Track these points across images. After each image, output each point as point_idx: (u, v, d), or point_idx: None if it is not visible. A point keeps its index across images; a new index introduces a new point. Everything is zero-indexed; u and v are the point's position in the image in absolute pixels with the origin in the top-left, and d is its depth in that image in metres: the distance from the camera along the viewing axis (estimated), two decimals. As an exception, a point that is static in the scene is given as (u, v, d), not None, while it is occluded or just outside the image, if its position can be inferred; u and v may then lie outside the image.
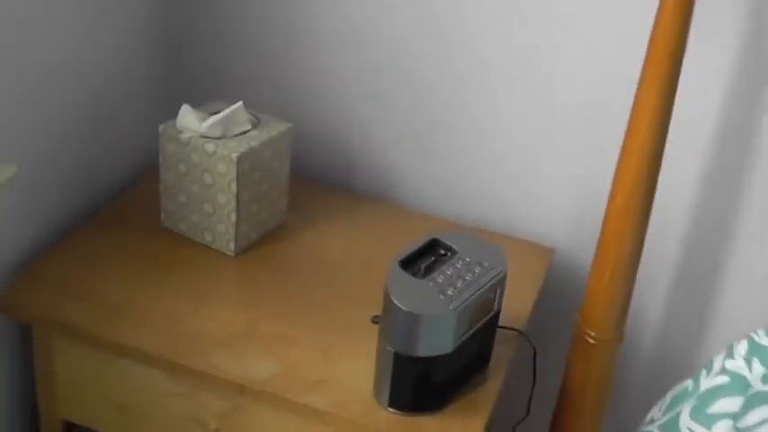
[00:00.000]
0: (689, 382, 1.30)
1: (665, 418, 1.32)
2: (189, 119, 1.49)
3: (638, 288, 1.66)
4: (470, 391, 1.33)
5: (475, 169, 1.69)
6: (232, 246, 1.52)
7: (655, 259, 1.64)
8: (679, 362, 1.70)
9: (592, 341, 1.43)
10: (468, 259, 1.29)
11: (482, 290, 1.25)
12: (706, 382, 1.21)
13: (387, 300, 1.22)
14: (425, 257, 1.29)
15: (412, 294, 1.21)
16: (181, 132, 1.49)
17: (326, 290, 1.48)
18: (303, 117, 1.76)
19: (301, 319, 1.41)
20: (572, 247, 1.67)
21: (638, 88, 1.29)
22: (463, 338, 1.25)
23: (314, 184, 1.76)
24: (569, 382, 1.49)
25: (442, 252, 1.31)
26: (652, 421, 1.36)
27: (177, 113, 1.64)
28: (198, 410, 1.38)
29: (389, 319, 1.22)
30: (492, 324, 1.33)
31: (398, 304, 1.19)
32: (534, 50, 1.56)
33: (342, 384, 1.30)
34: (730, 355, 1.24)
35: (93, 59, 1.57)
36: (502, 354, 1.39)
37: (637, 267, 1.39)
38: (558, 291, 1.71)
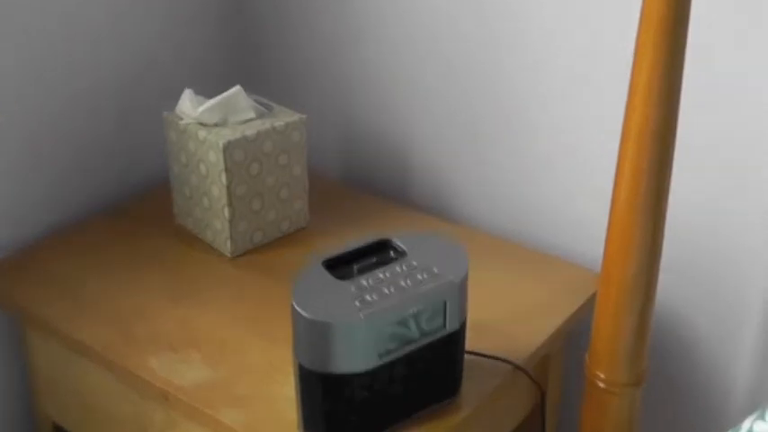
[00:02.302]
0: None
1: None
2: (187, 104, 1.38)
3: (691, 316, 1.33)
4: (424, 422, 1.09)
5: (532, 184, 1.44)
6: (229, 245, 1.38)
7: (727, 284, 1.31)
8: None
9: (602, 385, 1.14)
10: (414, 263, 1.07)
11: (417, 299, 1.02)
12: None
13: (291, 303, 1.02)
14: (366, 258, 1.08)
15: (321, 298, 1.01)
16: (180, 119, 1.38)
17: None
18: (357, 121, 1.60)
19: (270, 329, 1.25)
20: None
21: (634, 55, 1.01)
22: (389, 358, 1.03)
23: (362, 195, 1.58)
24: (585, 434, 1.20)
25: (392, 255, 1.10)
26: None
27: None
28: (143, 419, 1.25)
29: (294, 326, 1.02)
30: (450, 347, 1.09)
31: (298, 308, 1.00)
32: (608, 61, 1.31)
33: (273, 402, 1.12)
34: (762, 417, 0.94)
35: (123, 49, 1.50)
36: (484, 387, 1.14)
37: (654, 289, 1.09)
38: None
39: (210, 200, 1.37)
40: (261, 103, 1.42)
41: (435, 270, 1.06)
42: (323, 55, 1.60)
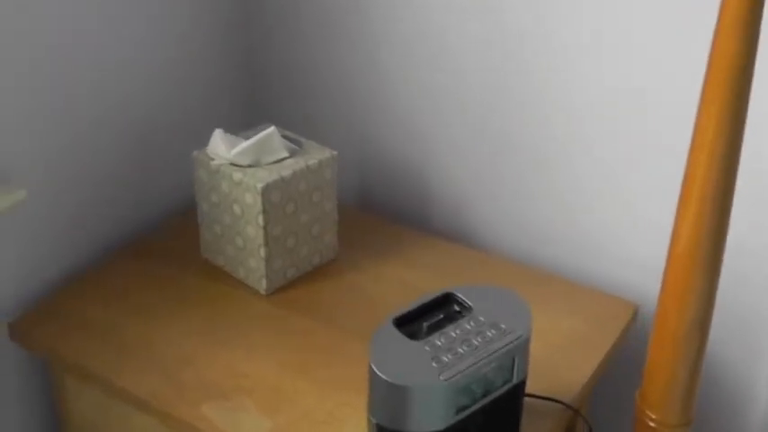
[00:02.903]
0: None
1: None
2: (219, 145, 1.37)
3: (740, 354, 1.39)
4: (488, 475, 1.12)
5: (560, 212, 1.47)
6: (264, 283, 1.38)
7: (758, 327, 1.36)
8: None
9: (653, 425, 1.18)
10: (482, 319, 1.09)
11: (490, 358, 1.05)
12: None
13: (369, 365, 1.04)
14: (433, 314, 1.10)
15: (398, 360, 1.03)
16: (212, 159, 1.37)
17: (359, 341, 1.32)
18: (378, 151, 1.60)
19: (318, 372, 1.26)
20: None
21: (696, 117, 1.04)
22: (465, 413, 1.05)
23: (382, 221, 1.59)
24: (632, 469, 1.24)
25: (456, 309, 1.12)
26: None
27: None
28: (194, 466, 1.25)
29: (372, 388, 1.04)
30: (514, 396, 1.12)
31: (378, 372, 1.01)
32: (632, 93, 1.33)
33: (334, 454, 1.14)
34: None
35: (148, 91, 1.48)
36: (538, 426, 1.18)
37: (706, 334, 1.13)
38: (639, 355, 1.46)
39: (245, 239, 1.37)
40: (290, 139, 1.42)
41: (503, 326, 1.08)
42: (339, 81, 1.60)
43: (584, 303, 1.39)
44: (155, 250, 1.50)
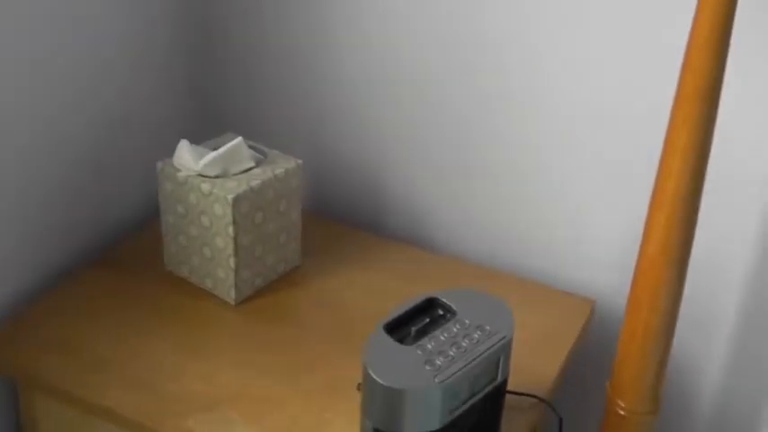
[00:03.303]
0: None
1: None
2: (185, 156, 1.37)
3: (691, 350, 1.46)
4: (475, 470, 1.17)
5: (513, 213, 1.53)
6: (233, 293, 1.40)
7: (713, 317, 1.44)
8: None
9: (623, 413, 1.25)
10: (467, 322, 1.13)
11: (479, 359, 1.09)
12: None
13: (364, 370, 1.07)
14: (419, 319, 1.14)
15: (393, 365, 1.06)
16: (179, 171, 1.38)
17: (332, 345, 1.34)
18: (331, 156, 1.63)
19: (298, 378, 1.28)
20: (617, 298, 1.49)
21: (668, 128, 1.10)
22: (456, 413, 1.09)
23: (340, 226, 1.62)
24: (601, 457, 1.30)
25: (440, 313, 1.16)
26: None
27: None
28: (179, 480, 1.26)
29: (368, 393, 1.07)
30: (497, 394, 1.16)
31: (375, 377, 1.05)
32: (580, 96, 1.39)
33: (326, 459, 1.17)
34: None
35: (100, 97, 1.47)
36: (518, 427, 1.22)
37: (672, 327, 1.20)
38: (598, 348, 1.53)
39: (213, 250, 1.38)
40: (254, 149, 1.43)
41: (487, 328, 1.13)
42: (295, 87, 1.62)
43: (545, 302, 1.45)
44: (115, 265, 1.49)
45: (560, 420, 1.28)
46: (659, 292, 1.17)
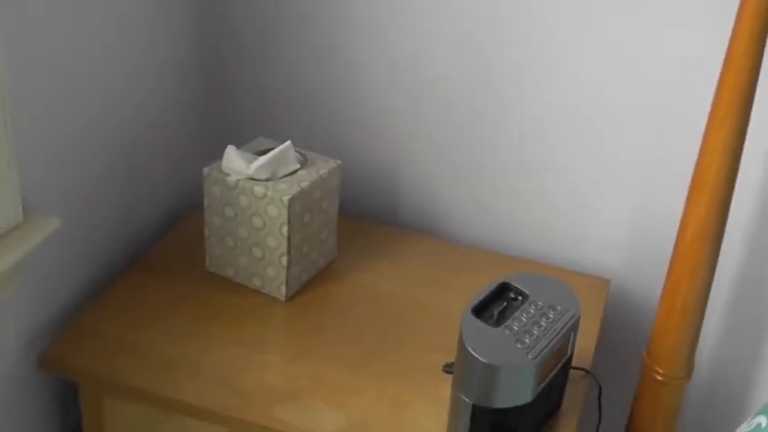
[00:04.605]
0: (762, 419, 1.26)
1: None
2: (235, 161, 1.44)
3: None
4: (547, 435, 1.29)
5: (525, 202, 1.65)
6: (283, 290, 1.47)
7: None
8: (737, 397, 1.66)
9: (660, 378, 1.39)
10: (540, 303, 1.25)
11: (558, 336, 1.21)
12: None
13: (463, 351, 1.17)
14: (497, 303, 1.25)
15: (489, 345, 1.17)
16: (227, 175, 1.44)
17: (383, 333, 1.44)
18: (348, 156, 1.71)
19: (362, 365, 1.37)
20: (626, 277, 1.63)
21: (708, 121, 1.24)
22: (541, 386, 1.21)
23: (359, 220, 1.71)
24: (637, 420, 1.45)
25: (513, 296, 1.27)
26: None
27: (211, 154, 1.59)
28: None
29: (466, 371, 1.18)
30: (565, 368, 1.29)
31: (477, 356, 1.15)
32: (591, 86, 1.52)
33: (416, 436, 1.26)
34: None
35: (131, 101, 1.52)
36: (573, 396, 1.35)
37: (707, 301, 1.35)
38: (614, 323, 1.67)
39: (264, 250, 1.45)
40: (298, 153, 1.51)
41: (558, 307, 1.25)
42: (307, 83, 1.69)
43: (569, 283, 1.58)
44: (155, 269, 1.54)
45: (600, 389, 1.41)
46: (697, 270, 1.31)
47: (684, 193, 1.55)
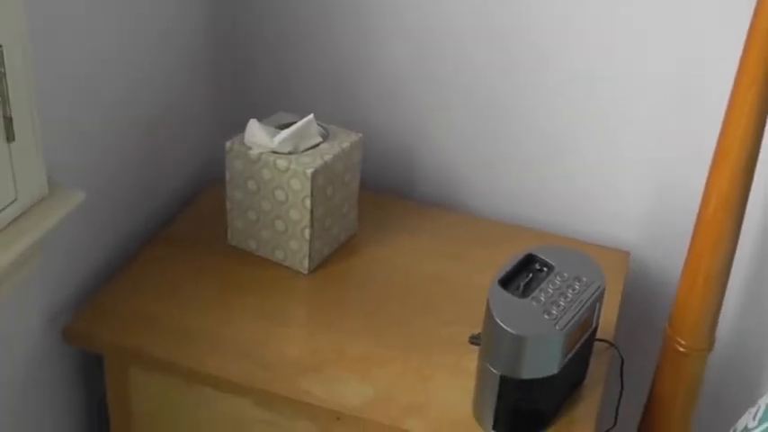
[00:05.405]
0: None
1: (763, 427, 1.29)
2: (258, 134, 1.44)
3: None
4: (570, 408, 1.29)
5: (543, 175, 1.65)
6: (306, 263, 1.47)
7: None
8: (755, 372, 1.68)
9: (682, 350, 1.40)
10: (566, 275, 1.25)
11: (585, 307, 1.21)
12: None
13: (491, 322, 1.18)
14: (522, 274, 1.25)
15: (516, 316, 1.17)
16: (250, 149, 1.44)
17: (406, 305, 1.44)
18: (362, 125, 1.71)
19: (386, 337, 1.37)
20: (646, 249, 1.64)
21: (734, 89, 1.24)
22: (568, 357, 1.22)
23: (380, 193, 1.71)
24: (658, 391, 1.46)
25: (538, 267, 1.27)
26: (746, 430, 1.33)
27: (232, 130, 1.58)
28: (287, 439, 1.34)
29: (494, 342, 1.18)
30: (590, 340, 1.29)
31: (505, 327, 1.16)
32: (606, 52, 1.52)
33: (439, 407, 1.27)
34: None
35: (152, 76, 1.52)
36: (597, 368, 1.36)
37: (729, 273, 1.36)
38: (633, 296, 1.68)
39: (287, 223, 1.45)
40: (320, 126, 1.50)
41: (584, 279, 1.25)
42: (327, 56, 1.68)
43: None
44: (176, 242, 1.54)
45: (622, 361, 1.42)
46: (720, 243, 1.32)
47: (702, 165, 1.55)
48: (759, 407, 1.32)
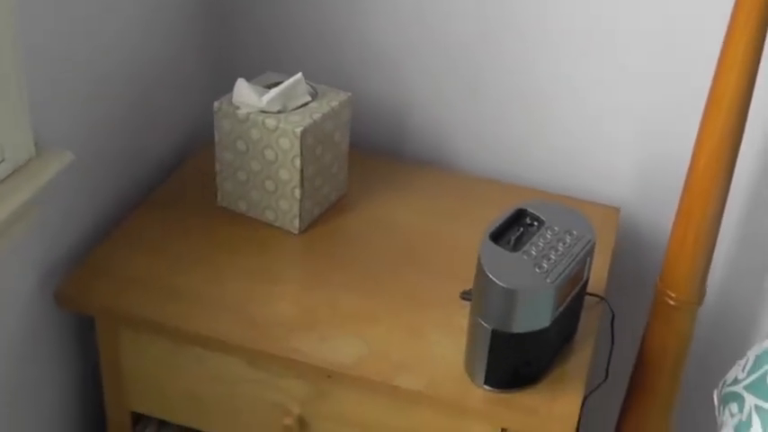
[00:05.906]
0: None
1: (752, 378, 1.30)
2: (246, 93, 1.43)
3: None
4: (561, 362, 1.29)
5: (533, 131, 1.65)
6: (296, 223, 1.47)
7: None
8: (746, 322, 1.68)
9: (673, 303, 1.41)
10: (556, 229, 1.25)
11: (575, 260, 1.21)
12: None
13: (481, 276, 1.18)
14: (513, 229, 1.25)
15: (507, 269, 1.17)
16: (238, 108, 1.43)
17: (398, 262, 1.44)
18: (351, 85, 1.70)
19: (379, 294, 1.37)
20: (635, 205, 1.64)
21: (725, 41, 1.24)
22: (559, 311, 1.22)
23: (368, 153, 1.71)
24: (649, 345, 1.46)
25: (529, 222, 1.27)
26: (736, 381, 1.33)
27: (219, 88, 1.58)
28: (279, 397, 1.34)
29: (485, 296, 1.18)
30: (581, 294, 1.30)
31: (496, 280, 1.16)
32: (602, 10, 1.51)
33: (432, 363, 1.27)
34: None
35: (140, 38, 1.50)
36: (588, 322, 1.36)
37: (719, 226, 1.36)
38: (623, 251, 1.68)
39: (277, 183, 1.44)
40: (308, 85, 1.50)
41: (574, 232, 1.25)
42: (313, 17, 1.67)
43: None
44: (166, 205, 1.53)
45: (612, 316, 1.42)
46: (710, 198, 1.32)
47: (691, 121, 1.55)
48: (748, 359, 1.33)
